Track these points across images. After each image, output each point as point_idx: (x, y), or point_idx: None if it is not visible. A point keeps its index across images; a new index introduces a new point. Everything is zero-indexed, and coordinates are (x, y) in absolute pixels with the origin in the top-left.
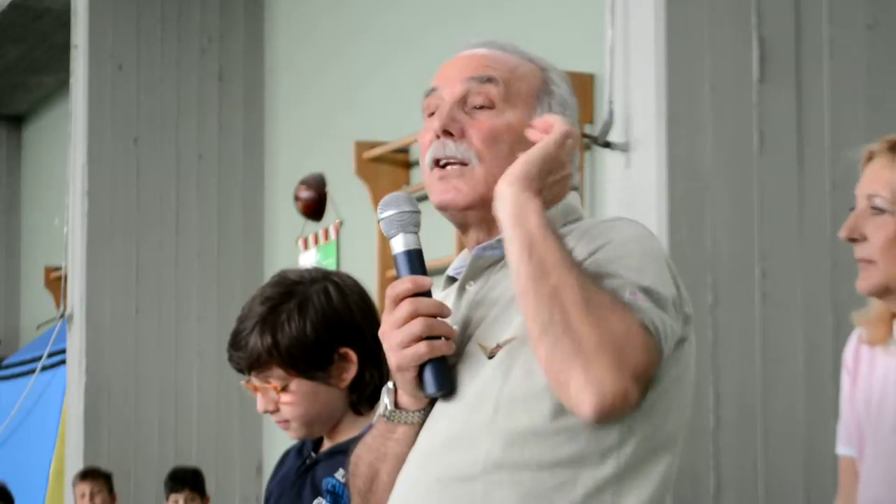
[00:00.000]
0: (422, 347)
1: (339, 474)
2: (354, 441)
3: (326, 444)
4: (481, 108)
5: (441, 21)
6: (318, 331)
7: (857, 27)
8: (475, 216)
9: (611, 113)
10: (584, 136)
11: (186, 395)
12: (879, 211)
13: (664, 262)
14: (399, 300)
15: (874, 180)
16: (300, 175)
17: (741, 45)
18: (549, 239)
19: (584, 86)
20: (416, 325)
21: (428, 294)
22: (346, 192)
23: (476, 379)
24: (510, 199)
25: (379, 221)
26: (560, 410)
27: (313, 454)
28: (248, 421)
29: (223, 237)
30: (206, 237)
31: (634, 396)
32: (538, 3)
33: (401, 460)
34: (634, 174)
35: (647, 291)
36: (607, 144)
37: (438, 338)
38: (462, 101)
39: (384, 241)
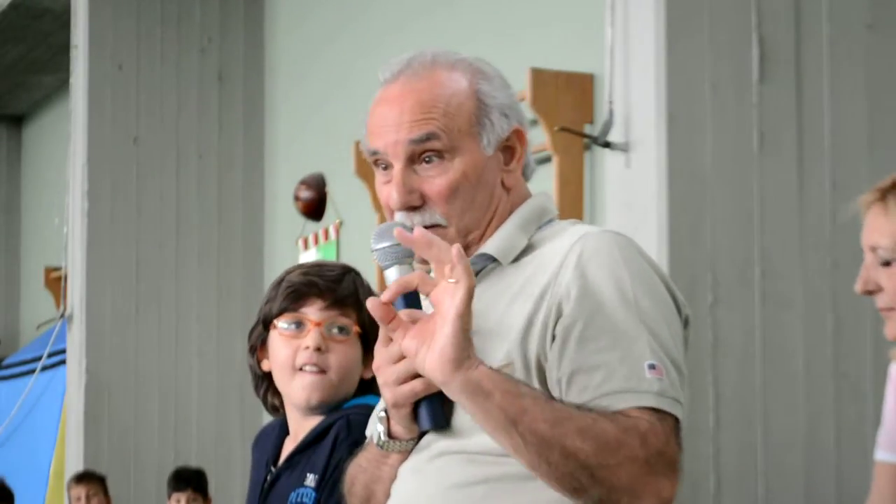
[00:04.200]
0: (418, 385)
1: (309, 480)
2: (307, 442)
3: (286, 452)
4: (430, 160)
5: (441, 22)
6: None
7: (857, 27)
8: None
9: (611, 113)
10: (584, 136)
11: (186, 395)
12: (886, 262)
13: (654, 284)
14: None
15: (873, 231)
16: (300, 175)
17: (741, 45)
18: (518, 401)
19: (584, 86)
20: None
21: None
22: (346, 192)
23: None
24: (458, 393)
25: (373, 252)
26: None
27: (273, 469)
28: (248, 421)
29: (223, 237)
30: (206, 237)
31: (676, 474)
32: (538, 3)
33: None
34: (634, 174)
35: (652, 367)
36: (607, 144)
37: None
38: (410, 162)
39: None
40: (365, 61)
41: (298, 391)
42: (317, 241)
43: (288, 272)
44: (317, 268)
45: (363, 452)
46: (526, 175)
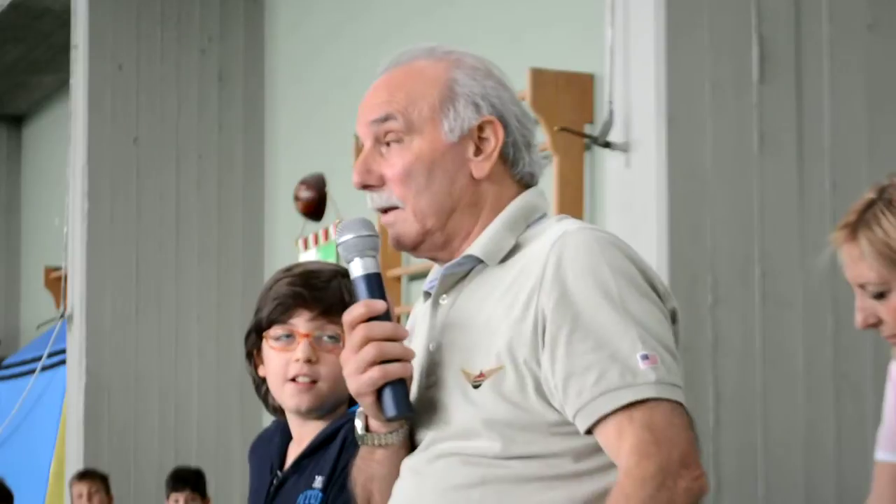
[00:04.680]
0: (375, 373)
1: (317, 482)
2: (315, 446)
3: (291, 457)
4: (391, 144)
5: (442, 22)
6: None
7: (857, 27)
8: (428, 247)
9: (611, 113)
10: (584, 136)
11: (186, 395)
12: (879, 295)
13: (635, 277)
14: (354, 325)
15: (856, 272)
16: (300, 175)
17: (741, 45)
18: None
19: (584, 86)
20: (369, 351)
21: (385, 317)
22: (346, 192)
23: (463, 407)
24: None
25: (337, 247)
26: (561, 434)
27: (279, 473)
28: (248, 421)
29: (223, 237)
30: (206, 237)
31: (698, 465)
32: (538, 3)
33: (387, 480)
34: (634, 174)
35: (645, 357)
36: (607, 144)
37: (395, 361)
38: (377, 143)
39: (384, 242)
40: (365, 61)
41: (287, 399)
42: (317, 241)
43: (276, 279)
44: (304, 276)
45: (359, 453)
46: (516, 173)
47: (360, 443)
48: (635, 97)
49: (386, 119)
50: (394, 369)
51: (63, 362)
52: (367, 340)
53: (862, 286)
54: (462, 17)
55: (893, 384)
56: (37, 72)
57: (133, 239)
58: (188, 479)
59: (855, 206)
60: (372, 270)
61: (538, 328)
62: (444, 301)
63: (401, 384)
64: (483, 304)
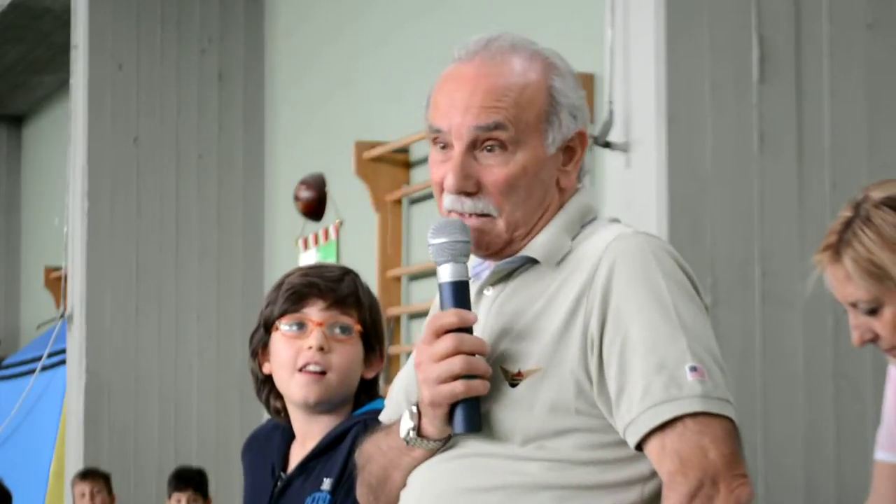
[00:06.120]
0: (459, 387)
1: (325, 484)
2: (323, 447)
3: (294, 457)
4: (492, 149)
5: (442, 22)
6: (380, 319)
7: (857, 27)
8: (506, 252)
9: (611, 113)
10: None
11: (186, 395)
12: (872, 311)
13: (687, 285)
14: (441, 333)
15: (845, 291)
16: (300, 175)
17: (741, 45)
18: None
19: (584, 86)
20: (457, 363)
21: (470, 330)
22: (346, 192)
23: (497, 405)
24: None
25: (429, 246)
26: (590, 445)
27: (282, 474)
28: (248, 421)
29: (223, 237)
30: (206, 237)
31: (735, 477)
32: (538, 3)
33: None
34: (634, 174)
35: (694, 369)
36: (607, 144)
37: (476, 377)
38: (471, 147)
39: (384, 242)
40: (365, 61)
41: (296, 390)
42: (317, 242)
43: (287, 275)
44: (316, 269)
45: (385, 437)
46: (579, 178)
47: (408, 444)
48: (635, 97)
49: (496, 127)
50: (476, 386)
51: (63, 362)
52: (455, 352)
53: (853, 304)
54: (462, 17)
55: (893, 385)
56: (37, 72)
57: (133, 239)
58: (191, 480)
59: (833, 226)
60: (462, 278)
61: (587, 333)
62: (489, 292)
63: (476, 401)
64: (531, 302)
